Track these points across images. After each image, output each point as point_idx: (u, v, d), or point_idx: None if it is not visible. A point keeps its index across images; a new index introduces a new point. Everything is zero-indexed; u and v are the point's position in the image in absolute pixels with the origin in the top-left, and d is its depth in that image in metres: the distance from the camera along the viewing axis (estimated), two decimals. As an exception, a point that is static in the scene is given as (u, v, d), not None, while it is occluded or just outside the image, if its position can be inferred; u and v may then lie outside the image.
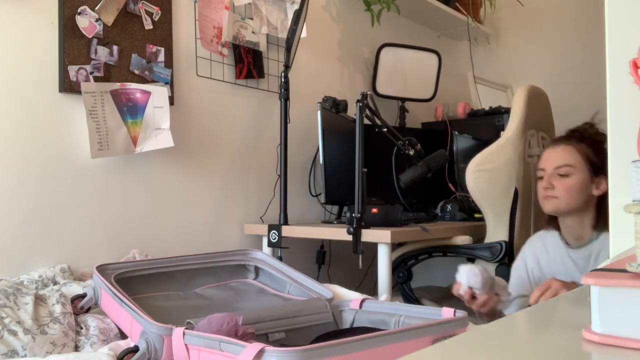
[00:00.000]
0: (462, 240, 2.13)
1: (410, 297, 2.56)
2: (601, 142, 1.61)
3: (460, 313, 1.36)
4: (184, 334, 1.22)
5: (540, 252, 1.75)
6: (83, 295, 1.54)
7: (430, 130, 3.04)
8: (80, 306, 1.53)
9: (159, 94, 2.00)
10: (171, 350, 1.25)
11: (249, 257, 1.85)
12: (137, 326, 1.33)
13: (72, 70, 1.83)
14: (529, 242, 1.82)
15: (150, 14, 2.05)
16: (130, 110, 1.95)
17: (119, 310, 1.42)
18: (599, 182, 1.60)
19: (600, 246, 1.60)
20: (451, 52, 3.59)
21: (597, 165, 1.60)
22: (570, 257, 1.67)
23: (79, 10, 1.85)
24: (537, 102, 2.20)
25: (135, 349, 1.27)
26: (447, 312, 1.40)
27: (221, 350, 1.13)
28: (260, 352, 1.04)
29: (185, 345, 1.21)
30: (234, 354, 1.09)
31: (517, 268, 1.82)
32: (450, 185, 2.63)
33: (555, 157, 1.63)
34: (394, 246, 2.22)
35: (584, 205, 1.61)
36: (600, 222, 1.60)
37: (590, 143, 1.63)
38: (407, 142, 2.21)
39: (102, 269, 1.54)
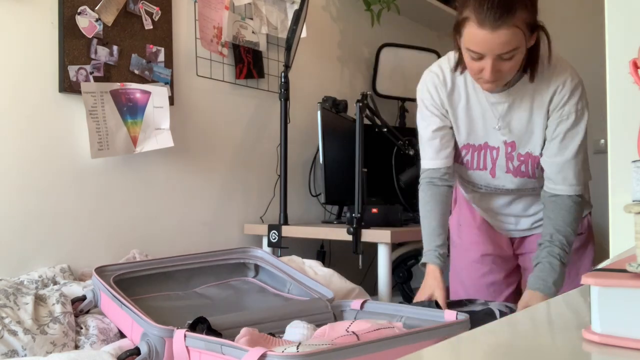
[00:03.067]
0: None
1: (410, 297, 2.56)
2: None
3: (462, 316, 1.35)
4: (185, 336, 1.22)
5: (454, 89, 1.50)
6: (82, 298, 1.53)
7: (430, 130, 3.04)
8: (79, 309, 1.53)
9: (159, 94, 2.00)
10: (172, 352, 1.25)
11: (249, 255, 1.84)
12: (137, 328, 1.33)
13: (72, 70, 1.83)
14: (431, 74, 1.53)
15: (150, 14, 2.05)
16: (130, 110, 1.95)
17: (119, 312, 1.41)
18: (535, 35, 1.35)
19: (516, 94, 1.43)
20: (451, 52, 3.59)
21: (534, 24, 1.32)
22: (487, 99, 1.46)
23: (79, 10, 1.85)
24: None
25: (136, 352, 1.27)
26: (449, 315, 1.39)
27: (223, 354, 1.12)
28: (263, 357, 1.04)
29: (187, 347, 1.21)
30: (236, 358, 1.08)
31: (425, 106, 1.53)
32: (450, 185, 2.62)
33: (499, 46, 1.27)
34: (394, 246, 2.22)
35: None
36: (532, 71, 1.39)
37: (526, 1, 1.29)
38: (407, 142, 2.21)
39: (100, 271, 1.53)
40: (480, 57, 1.30)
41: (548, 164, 1.46)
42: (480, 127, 1.50)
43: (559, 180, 1.45)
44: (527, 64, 1.38)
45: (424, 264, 1.52)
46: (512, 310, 1.43)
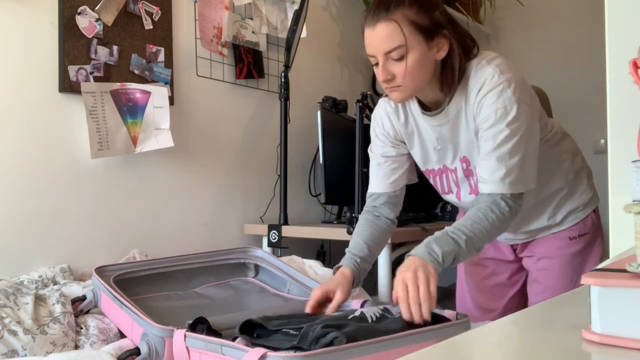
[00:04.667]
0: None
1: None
2: None
3: (463, 316, 1.35)
4: (185, 336, 1.22)
5: (407, 118, 1.48)
6: (82, 298, 1.53)
7: (430, 130, 3.04)
8: (79, 309, 1.53)
9: (159, 94, 2.00)
10: (172, 352, 1.25)
11: (249, 255, 1.85)
12: (137, 328, 1.33)
13: (72, 70, 1.83)
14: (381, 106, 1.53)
15: (150, 14, 2.05)
16: (130, 110, 1.95)
17: (119, 312, 1.41)
18: (438, 44, 1.30)
19: (454, 111, 1.37)
20: (451, 52, 3.59)
21: (428, 27, 1.28)
22: (427, 123, 1.44)
23: (79, 10, 1.85)
24: (541, 101, 2.19)
25: (136, 352, 1.27)
26: (449, 315, 1.38)
27: (223, 354, 1.12)
28: (263, 357, 1.04)
29: (187, 347, 1.21)
30: (236, 358, 1.08)
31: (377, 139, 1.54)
32: (450, 185, 2.62)
33: (379, 42, 1.27)
34: (394, 246, 2.22)
35: (432, 76, 1.33)
36: (444, 84, 1.34)
37: (411, 2, 1.27)
38: (407, 142, 2.20)
39: (100, 271, 1.53)
40: (376, 61, 1.31)
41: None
42: (432, 152, 1.48)
43: (480, 178, 1.35)
44: (444, 79, 1.34)
45: (338, 268, 1.42)
46: (384, 312, 1.25)
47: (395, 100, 1.38)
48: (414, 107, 1.46)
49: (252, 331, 1.18)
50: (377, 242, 1.52)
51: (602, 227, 1.62)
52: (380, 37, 1.27)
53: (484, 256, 1.68)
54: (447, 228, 1.30)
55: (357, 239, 1.49)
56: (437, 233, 1.29)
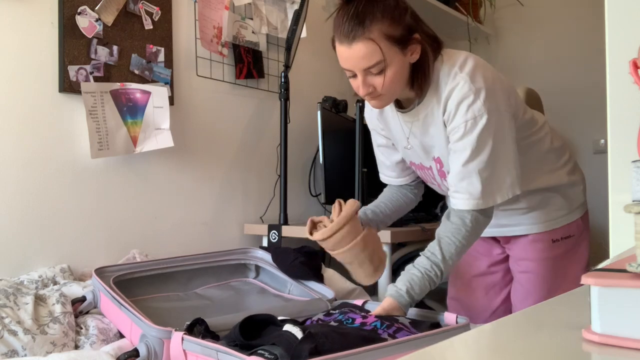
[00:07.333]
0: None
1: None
2: (391, 4, 1.27)
3: (463, 319, 1.35)
4: (182, 339, 1.22)
5: (382, 112, 1.52)
6: (82, 299, 1.54)
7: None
8: (79, 310, 1.53)
9: (159, 94, 2.00)
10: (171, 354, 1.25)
11: (249, 256, 1.85)
12: (136, 329, 1.33)
13: (72, 70, 1.83)
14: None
15: (150, 14, 2.05)
16: (130, 110, 1.95)
17: (118, 313, 1.41)
18: (411, 48, 1.29)
19: (424, 111, 1.38)
20: (451, 52, 3.59)
21: (402, 36, 1.27)
22: (400, 119, 1.45)
23: (79, 10, 1.85)
24: (534, 103, 2.20)
25: (135, 353, 1.27)
26: (449, 318, 1.38)
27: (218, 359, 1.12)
28: None
29: (184, 350, 1.21)
30: None
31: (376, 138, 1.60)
32: (450, 185, 2.62)
33: (357, 60, 1.26)
34: (394, 246, 2.22)
35: (407, 79, 1.34)
36: (416, 86, 1.34)
37: (383, 14, 1.25)
38: (407, 142, 2.20)
39: (100, 272, 1.53)
40: (353, 74, 1.30)
41: None
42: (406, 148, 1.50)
43: (450, 192, 1.36)
44: (415, 80, 1.34)
45: None
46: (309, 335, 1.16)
47: (376, 107, 1.40)
48: (392, 105, 1.47)
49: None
50: (395, 204, 1.59)
51: (589, 229, 1.60)
52: (358, 56, 1.26)
53: (475, 256, 1.67)
54: (416, 261, 1.35)
55: (375, 201, 1.58)
56: (407, 270, 1.35)
